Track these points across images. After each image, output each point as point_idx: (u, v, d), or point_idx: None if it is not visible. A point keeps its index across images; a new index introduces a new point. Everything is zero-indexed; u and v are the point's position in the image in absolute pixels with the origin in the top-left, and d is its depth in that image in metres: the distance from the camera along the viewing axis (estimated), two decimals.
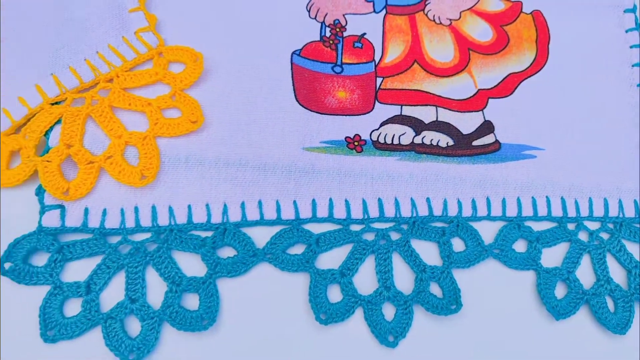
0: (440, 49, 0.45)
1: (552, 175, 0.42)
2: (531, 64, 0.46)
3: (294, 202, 0.38)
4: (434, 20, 0.46)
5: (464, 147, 0.42)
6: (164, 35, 0.41)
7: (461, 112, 0.43)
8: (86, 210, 0.36)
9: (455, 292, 0.37)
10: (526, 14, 0.47)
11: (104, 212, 0.36)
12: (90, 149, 0.37)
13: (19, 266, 0.34)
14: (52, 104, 0.37)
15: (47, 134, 0.37)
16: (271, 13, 0.43)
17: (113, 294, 0.35)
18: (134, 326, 0.34)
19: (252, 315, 0.36)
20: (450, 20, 0.46)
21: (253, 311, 0.36)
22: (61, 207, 0.36)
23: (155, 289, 0.35)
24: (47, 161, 0.36)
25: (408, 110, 0.43)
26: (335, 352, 0.36)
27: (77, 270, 0.35)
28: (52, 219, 0.35)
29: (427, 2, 0.46)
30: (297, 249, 0.38)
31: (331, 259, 0.38)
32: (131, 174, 0.36)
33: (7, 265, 0.34)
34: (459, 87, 0.44)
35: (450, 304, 0.37)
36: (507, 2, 0.47)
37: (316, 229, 0.38)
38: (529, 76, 0.45)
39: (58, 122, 0.37)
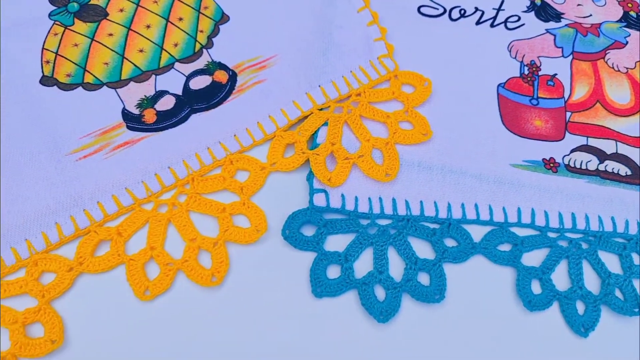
0: (618, 92, 0.52)
1: None
2: None
3: (503, 208, 0.46)
4: (612, 68, 0.53)
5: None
6: (398, 62, 0.50)
7: (637, 147, 0.50)
8: (342, 196, 0.45)
9: None
10: None
11: (356, 199, 0.45)
12: (346, 147, 0.46)
13: (295, 234, 0.43)
14: (320, 110, 0.47)
15: (315, 132, 0.46)
16: (480, 51, 0.52)
17: (360, 265, 0.43)
18: (378, 293, 0.43)
19: (466, 298, 0.43)
20: (627, 68, 0.53)
21: (467, 294, 0.44)
22: (324, 191, 0.44)
23: (392, 265, 0.44)
24: (317, 154, 0.45)
25: (593, 142, 0.50)
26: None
27: (333, 243, 0.44)
28: (319, 200, 0.44)
29: (607, 52, 0.54)
30: (505, 247, 0.45)
31: (534, 258, 0.45)
32: (378, 171, 0.45)
33: (285, 233, 0.43)
34: (635, 126, 0.51)
35: None
36: None
37: (519, 232, 0.46)
38: None
39: (324, 124, 0.46)
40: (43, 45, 0.47)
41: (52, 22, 0.48)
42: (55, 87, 0.45)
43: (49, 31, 0.47)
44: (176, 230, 0.42)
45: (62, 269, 0.40)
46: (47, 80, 0.46)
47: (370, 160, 0.45)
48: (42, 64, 0.46)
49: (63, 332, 0.38)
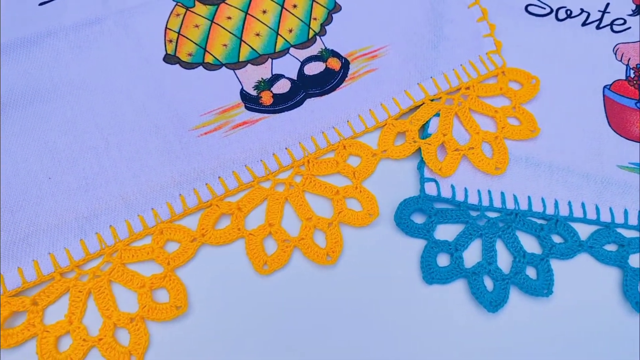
0: None
1: None
2: None
3: (610, 208, 0.46)
4: None
5: None
6: (505, 58, 0.51)
7: None
8: (452, 187, 0.45)
9: None
10: None
11: (465, 190, 0.45)
12: (457, 139, 0.46)
13: (407, 221, 0.44)
14: (431, 100, 0.48)
15: (426, 122, 0.47)
16: (585, 52, 0.52)
17: (467, 255, 0.44)
18: (487, 284, 0.43)
19: (571, 295, 0.44)
20: None
21: (572, 291, 0.44)
22: (435, 180, 0.45)
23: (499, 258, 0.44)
24: (428, 144, 0.46)
25: None
26: None
27: (441, 232, 0.44)
28: (430, 189, 0.45)
29: None
30: (611, 247, 0.45)
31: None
32: (488, 164, 0.46)
33: (398, 219, 0.44)
34: None
35: None
36: None
37: (626, 233, 0.46)
38: None
39: (436, 114, 0.47)
40: (166, 25, 0.49)
41: (175, 3, 0.50)
42: (177, 65, 0.47)
43: (171, 12, 0.49)
44: (292, 209, 0.44)
45: (186, 239, 0.42)
46: (170, 59, 0.47)
47: (481, 153, 0.46)
48: (165, 43, 0.48)
49: (187, 299, 0.40)
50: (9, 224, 0.40)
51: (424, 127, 0.47)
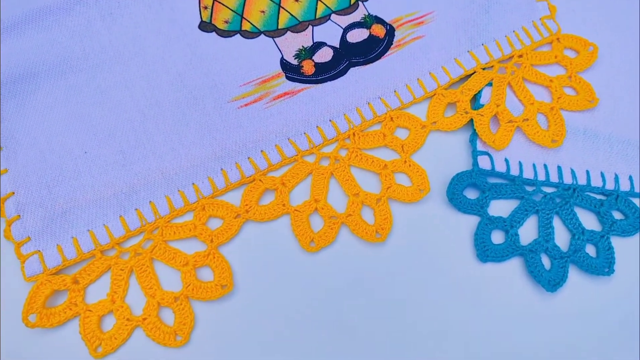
0: None
1: None
2: None
3: None
4: None
5: None
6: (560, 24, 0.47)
7: None
8: (506, 160, 0.43)
9: None
10: None
11: (520, 164, 0.43)
12: (510, 109, 0.44)
13: (460, 196, 0.41)
14: (482, 69, 0.45)
15: (478, 92, 0.44)
16: None
17: (523, 232, 0.42)
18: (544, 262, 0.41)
19: (632, 274, 0.41)
20: None
21: (632, 270, 0.41)
22: (488, 154, 0.43)
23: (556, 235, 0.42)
24: (481, 115, 0.43)
25: None
26: None
27: (494, 208, 0.42)
28: (484, 163, 0.42)
29: None
30: None
31: None
32: (544, 137, 0.43)
33: (450, 195, 0.41)
34: None
35: None
36: None
37: None
38: None
39: (488, 84, 0.44)
40: None
41: None
42: (214, 33, 0.45)
43: None
44: (338, 184, 0.42)
45: (229, 215, 0.40)
46: (206, 26, 0.45)
47: (536, 124, 0.43)
48: (200, 10, 0.45)
49: (232, 277, 0.38)
50: (47, 200, 0.39)
51: (475, 98, 0.44)
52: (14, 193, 0.38)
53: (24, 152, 0.40)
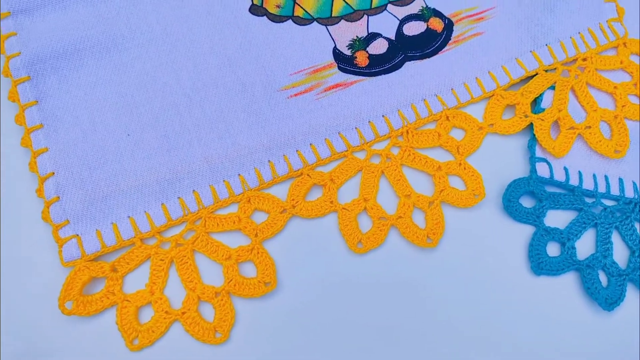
0: None
1: None
2: None
3: None
4: None
5: None
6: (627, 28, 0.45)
7: None
8: (565, 169, 0.41)
9: None
10: None
11: (580, 174, 0.41)
12: (572, 116, 0.42)
13: (516, 204, 0.39)
14: (546, 71, 0.42)
15: (539, 95, 0.42)
16: None
17: (580, 245, 0.40)
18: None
19: None
20: None
21: None
22: (547, 161, 0.41)
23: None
24: (541, 119, 0.41)
25: None
26: None
27: (552, 218, 0.40)
28: (542, 170, 0.40)
29: None
30: None
31: None
32: (607, 146, 0.41)
33: (506, 202, 0.39)
34: None
35: None
36: None
37: None
38: None
39: (550, 87, 0.42)
40: None
41: None
42: (265, 17, 0.43)
43: None
44: (389, 183, 0.40)
45: (275, 209, 0.38)
46: (257, 10, 0.43)
47: (599, 132, 0.41)
48: None
49: (275, 274, 0.37)
50: (87, 182, 0.37)
51: (535, 101, 0.42)
52: (54, 173, 0.37)
53: (65, 131, 0.38)
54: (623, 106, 0.42)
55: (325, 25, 0.43)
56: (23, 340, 0.35)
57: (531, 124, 0.41)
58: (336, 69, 0.42)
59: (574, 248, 0.39)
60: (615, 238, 0.40)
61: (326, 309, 0.37)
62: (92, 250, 0.36)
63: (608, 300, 0.38)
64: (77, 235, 0.36)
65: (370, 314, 0.37)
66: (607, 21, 0.44)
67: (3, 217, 0.38)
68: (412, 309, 0.37)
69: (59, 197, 0.36)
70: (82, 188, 0.37)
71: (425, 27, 0.43)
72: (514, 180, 0.40)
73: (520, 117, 0.41)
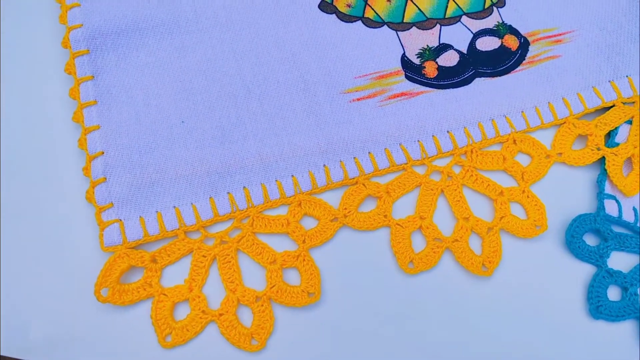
0: None
1: None
2: None
3: None
4: None
5: None
6: None
7: None
8: (635, 210, 0.38)
9: None
10: None
11: (635, 210, 0.38)
12: None
13: (579, 241, 0.37)
14: (624, 103, 0.40)
15: (614, 128, 0.40)
16: None
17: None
18: None
19: None
20: None
21: None
22: (616, 199, 0.38)
23: None
24: (615, 154, 0.39)
25: None
26: None
27: (615, 260, 0.38)
28: (611, 208, 0.38)
29: None
30: None
31: None
32: None
33: (569, 237, 0.37)
34: None
35: None
36: None
37: None
38: None
39: (627, 121, 0.40)
40: None
41: None
42: (334, 15, 0.41)
43: None
44: (447, 203, 0.38)
45: (326, 216, 0.36)
46: (327, 7, 0.41)
47: None
48: None
49: (320, 285, 0.35)
50: (136, 166, 0.36)
51: (609, 134, 0.40)
52: (103, 153, 0.36)
53: (119, 110, 0.37)
54: None
55: (396, 31, 0.41)
56: (54, 325, 0.33)
57: (602, 158, 0.39)
58: (403, 77, 0.40)
59: (637, 295, 0.37)
60: None
61: (368, 327, 0.35)
62: (133, 237, 0.34)
63: None
64: (120, 220, 0.34)
65: (413, 337, 0.35)
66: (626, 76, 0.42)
67: (46, 193, 0.36)
68: (458, 338, 0.35)
69: (105, 177, 0.35)
70: (130, 171, 0.35)
71: (500, 43, 0.41)
72: (580, 216, 0.37)
73: (592, 149, 0.39)
